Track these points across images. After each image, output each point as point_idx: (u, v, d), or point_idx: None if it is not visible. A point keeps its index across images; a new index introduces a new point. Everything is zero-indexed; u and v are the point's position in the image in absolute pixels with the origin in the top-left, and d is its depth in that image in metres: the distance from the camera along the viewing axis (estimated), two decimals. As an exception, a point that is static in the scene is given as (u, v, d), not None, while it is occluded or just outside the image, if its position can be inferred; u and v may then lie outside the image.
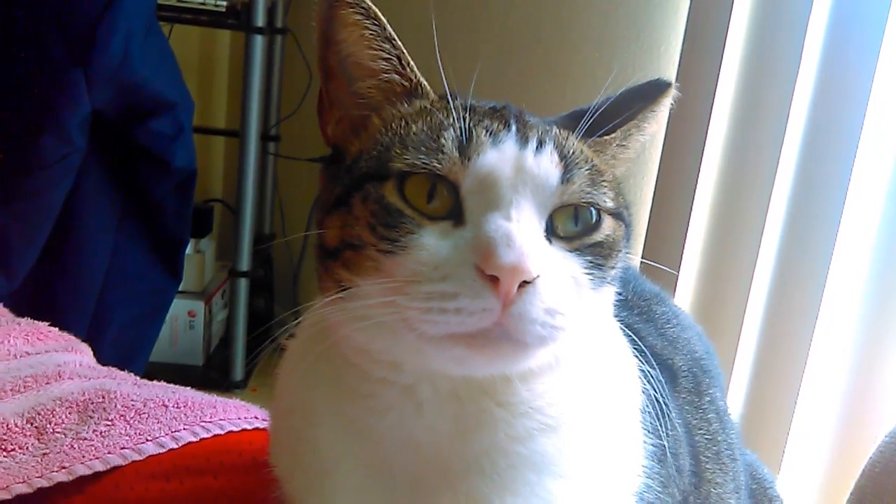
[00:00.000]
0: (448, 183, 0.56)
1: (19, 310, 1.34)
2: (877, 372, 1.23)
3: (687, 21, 1.53)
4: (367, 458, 0.62)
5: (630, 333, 0.71)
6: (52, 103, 1.48)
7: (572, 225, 0.58)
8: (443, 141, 0.56)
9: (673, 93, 0.66)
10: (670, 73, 1.60)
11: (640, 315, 0.82)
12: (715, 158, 1.50)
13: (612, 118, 0.63)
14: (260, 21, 2.34)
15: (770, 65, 1.41)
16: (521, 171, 0.56)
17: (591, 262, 0.58)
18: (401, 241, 0.55)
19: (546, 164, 0.57)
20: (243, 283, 2.47)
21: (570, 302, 0.55)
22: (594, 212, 0.59)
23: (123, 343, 1.74)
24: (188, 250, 2.24)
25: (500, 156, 0.56)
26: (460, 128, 0.57)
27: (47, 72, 1.48)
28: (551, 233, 0.57)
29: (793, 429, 1.30)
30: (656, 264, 0.81)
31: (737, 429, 0.87)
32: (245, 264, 2.46)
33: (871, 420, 1.22)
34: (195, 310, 2.49)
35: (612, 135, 0.63)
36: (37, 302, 1.56)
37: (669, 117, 1.54)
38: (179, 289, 1.93)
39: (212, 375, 2.50)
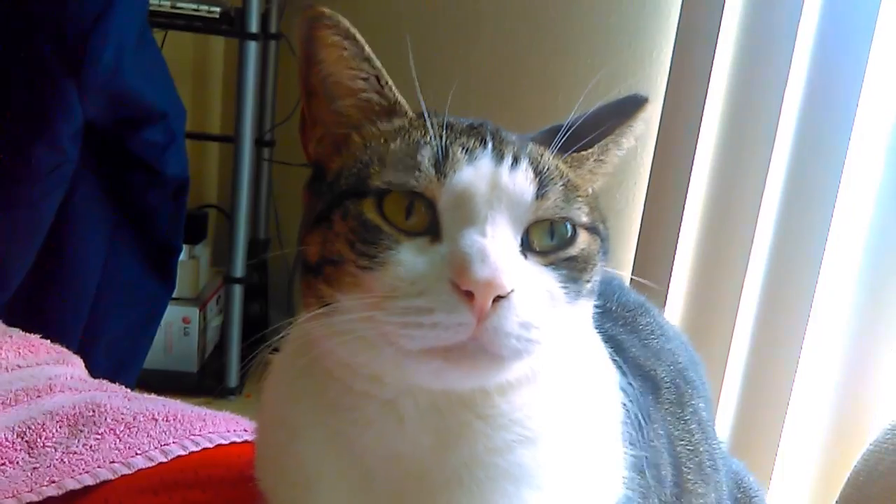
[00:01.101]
0: (425, 200, 0.57)
1: (12, 319, 1.34)
2: (865, 382, 1.24)
3: (678, 28, 1.54)
4: (349, 471, 0.63)
5: (612, 344, 0.72)
6: (45, 114, 1.48)
7: (548, 239, 0.59)
8: (419, 158, 0.57)
9: (649, 108, 0.67)
10: (661, 79, 1.61)
11: (624, 326, 0.83)
12: (706, 163, 1.51)
13: (589, 133, 0.64)
14: (254, 27, 2.34)
15: (760, 70, 1.42)
16: (496, 187, 0.57)
17: (566, 276, 0.58)
18: (379, 257, 0.56)
19: (521, 181, 0.57)
20: (238, 290, 2.47)
21: (545, 315, 0.56)
22: (569, 226, 0.59)
23: (117, 351, 1.74)
24: (183, 256, 2.23)
25: (475, 172, 0.57)
26: (437, 145, 0.58)
27: (40, 83, 1.48)
28: (527, 247, 0.58)
29: (783, 438, 1.31)
30: (645, 281, 0.82)
31: (720, 439, 0.88)
32: (239, 270, 2.46)
33: (859, 430, 1.23)
34: (190, 316, 2.49)
35: (590, 150, 0.64)
36: (30, 311, 1.56)
37: (660, 122, 1.56)
38: (174, 295, 1.93)
39: (207, 382, 2.49)
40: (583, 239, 0.60)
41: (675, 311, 1.54)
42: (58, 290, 1.63)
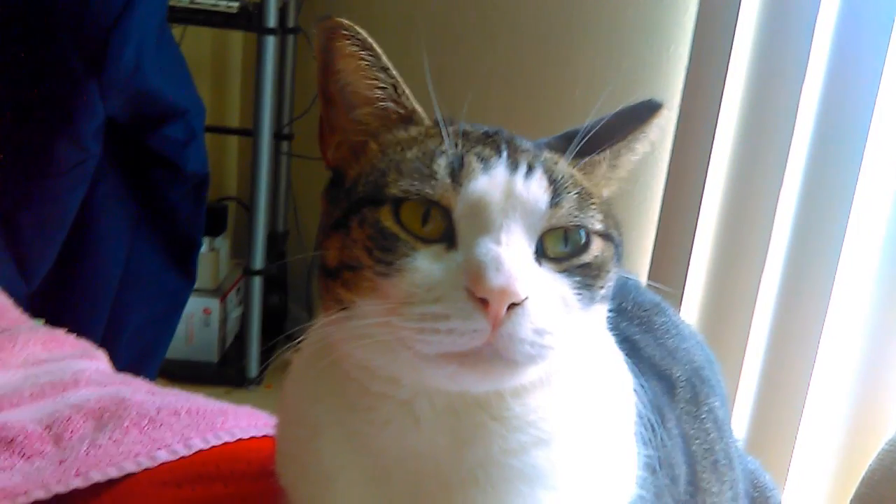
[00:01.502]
0: (441, 208, 0.58)
1: (36, 312, 1.37)
2: (881, 382, 1.24)
3: (695, 23, 1.54)
4: (367, 469, 0.64)
5: (627, 344, 0.73)
6: (68, 111, 1.51)
7: (562, 246, 0.59)
8: (435, 167, 0.58)
9: (664, 114, 0.67)
10: (679, 73, 1.61)
11: (640, 325, 0.83)
12: (723, 159, 1.51)
13: (604, 138, 0.65)
14: (272, 22, 2.36)
15: (778, 64, 1.41)
16: (510, 195, 0.57)
17: (579, 283, 0.59)
18: (395, 264, 0.57)
19: (535, 189, 0.58)
20: (257, 281, 2.50)
21: (558, 322, 0.57)
22: (583, 234, 0.60)
23: (138, 345, 1.77)
24: (203, 248, 2.26)
25: (490, 181, 0.58)
26: (452, 154, 0.59)
27: (62, 81, 1.50)
28: (541, 254, 0.59)
29: (799, 438, 1.31)
30: (662, 286, 0.83)
31: (735, 437, 0.88)
32: (259, 262, 2.49)
33: (875, 430, 1.22)
34: (210, 307, 2.53)
35: (601, 155, 0.64)
36: (53, 305, 1.60)
37: (678, 118, 1.55)
38: (195, 287, 1.96)
39: (227, 372, 2.53)
40: (596, 246, 0.61)
41: (692, 305, 1.54)
42: (81, 284, 1.66)
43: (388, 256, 0.57)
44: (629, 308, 0.84)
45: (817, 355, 1.29)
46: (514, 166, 0.59)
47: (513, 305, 0.54)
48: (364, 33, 0.61)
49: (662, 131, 0.68)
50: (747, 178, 1.46)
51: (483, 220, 0.57)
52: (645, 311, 0.85)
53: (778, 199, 1.37)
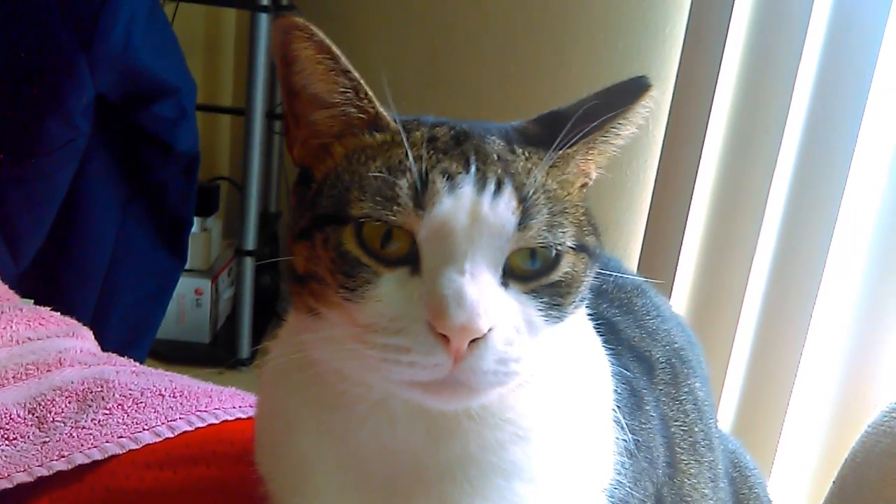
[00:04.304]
0: (404, 230, 0.56)
1: (26, 293, 1.37)
2: (867, 366, 1.24)
3: (691, 3, 1.53)
4: (345, 463, 0.64)
5: (607, 326, 0.73)
6: (57, 88, 1.50)
7: (529, 264, 0.57)
8: (398, 190, 0.56)
9: (652, 95, 0.63)
10: (674, 54, 1.60)
11: (620, 307, 0.82)
12: (717, 141, 1.50)
13: (591, 123, 0.62)
14: (265, -1, 2.34)
15: (774, 49, 1.40)
16: (476, 219, 0.55)
17: (548, 303, 0.57)
18: (358, 291, 0.56)
19: (503, 211, 0.55)
20: (249, 262, 2.49)
21: (523, 347, 0.56)
22: (552, 251, 0.58)
23: (128, 324, 1.77)
24: (195, 228, 2.26)
25: (456, 203, 0.55)
26: (417, 172, 0.56)
27: (52, 57, 1.49)
28: (509, 274, 0.57)
29: (785, 423, 1.32)
30: (651, 280, 0.82)
31: (716, 418, 0.88)
32: (251, 243, 2.48)
33: (858, 414, 1.23)
34: (202, 288, 2.52)
35: (575, 148, 0.61)
36: (43, 284, 1.59)
37: (672, 99, 1.54)
38: (186, 267, 1.95)
39: (218, 353, 2.53)
40: (567, 261, 0.58)
41: (682, 291, 1.54)
42: (71, 263, 1.66)
43: (350, 283, 0.56)
44: (609, 290, 0.83)
45: (804, 342, 1.29)
46: (482, 183, 0.56)
47: (475, 339, 0.53)
48: (321, 34, 0.58)
49: (652, 113, 0.63)
50: (741, 163, 1.46)
51: (447, 248, 0.55)
52: (625, 292, 0.84)
53: (770, 184, 1.37)
